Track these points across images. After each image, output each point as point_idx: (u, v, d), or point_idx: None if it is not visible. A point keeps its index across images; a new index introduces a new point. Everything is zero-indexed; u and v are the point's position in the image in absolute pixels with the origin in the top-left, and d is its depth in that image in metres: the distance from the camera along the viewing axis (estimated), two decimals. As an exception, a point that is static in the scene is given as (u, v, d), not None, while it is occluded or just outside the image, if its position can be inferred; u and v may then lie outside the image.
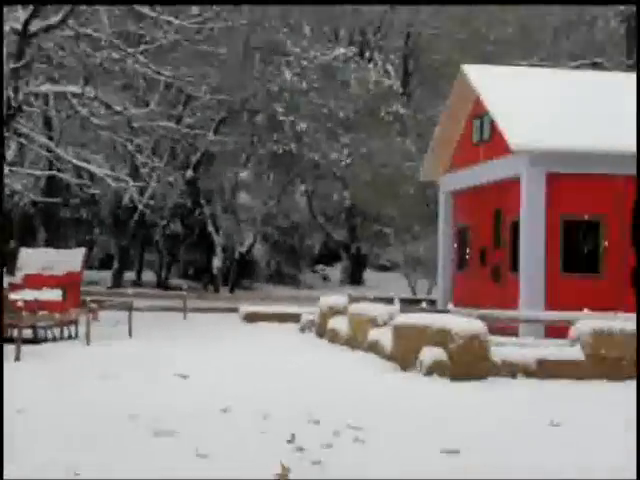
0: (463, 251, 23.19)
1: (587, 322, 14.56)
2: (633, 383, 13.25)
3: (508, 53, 35.45)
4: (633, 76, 22.55)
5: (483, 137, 21.52)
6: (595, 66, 34.74)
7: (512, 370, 13.87)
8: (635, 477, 7.55)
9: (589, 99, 20.54)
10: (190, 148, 34.28)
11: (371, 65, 38.31)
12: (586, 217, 19.20)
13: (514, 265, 19.72)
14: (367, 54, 39.80)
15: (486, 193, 21.75)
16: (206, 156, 35.64)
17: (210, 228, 36.54)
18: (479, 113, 21.59)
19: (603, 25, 37.95)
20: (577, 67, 32.81)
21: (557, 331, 16.23)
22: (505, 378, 13.64)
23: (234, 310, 25.01)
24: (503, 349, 14.25)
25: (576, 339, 14.41)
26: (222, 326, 22.09)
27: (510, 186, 19.99)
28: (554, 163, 19.04)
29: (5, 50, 19.75)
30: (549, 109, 19.96)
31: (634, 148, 18.73)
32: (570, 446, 8.98)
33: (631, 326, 14.23)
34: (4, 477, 6.99)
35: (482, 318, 14.65)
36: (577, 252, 19.24)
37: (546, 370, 13.87)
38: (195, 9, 24.46)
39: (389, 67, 39.89)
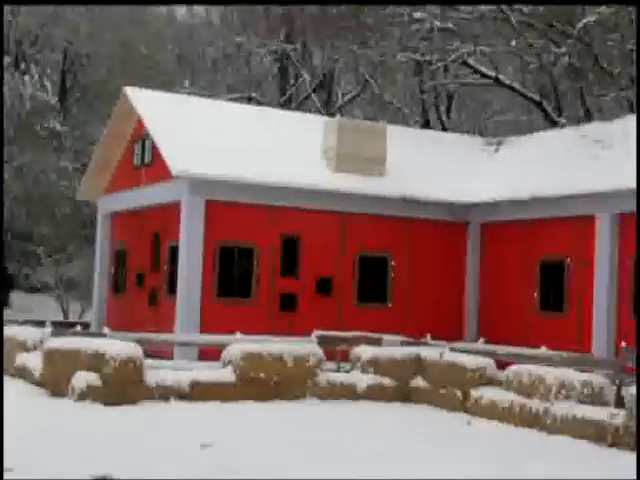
0: (120, 273, 22.99)
1: (238, 345, 15.12)
2: (279, 403, 14.07)
3: (170, 80, 35.95)
4: (292, 114, 23.97)
5: (145, 160, 21.57)
6: (251, 100, 36.31)
7: (166, 393, 13.99)
8: (635, 477, 7.78)
9: (252, 133, 21.45)
10: None
11: (27, 77, 36.75)
12: (240, 244, 19.94)
13: (171, 288, 19.94)
14: (23, 66, 38.15)
15: (146, 216, 21.80)
16: None
17: None
18: (141, 136, 21.64)
19: (258, 61, 39.78)
20: (234, 99, 34.08)
21: (211, 354, 16.63)
22: (159, 401, 13.72)
23: None
24: (158, 372, 14.33)
25: (227, 361, 14.90)
26: None
27: (170, 210, 20.23)
28: (213, 191, 19.57)
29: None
30: (212, 138, 20.52)
31: (297, 184, 19.84)
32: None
33: (278, 348, 15.01)
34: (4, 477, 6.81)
35: (138, 341, 14.62)
36: (231, 277, 19.91)
37: (199, 392, 14.17)
38: None
39: (46, 82, 38.55)
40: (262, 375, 14.72)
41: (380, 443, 11.30)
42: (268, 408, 13.84)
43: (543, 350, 15.47)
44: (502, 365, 14.91)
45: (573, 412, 12.90)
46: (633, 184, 17.58)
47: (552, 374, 13.75)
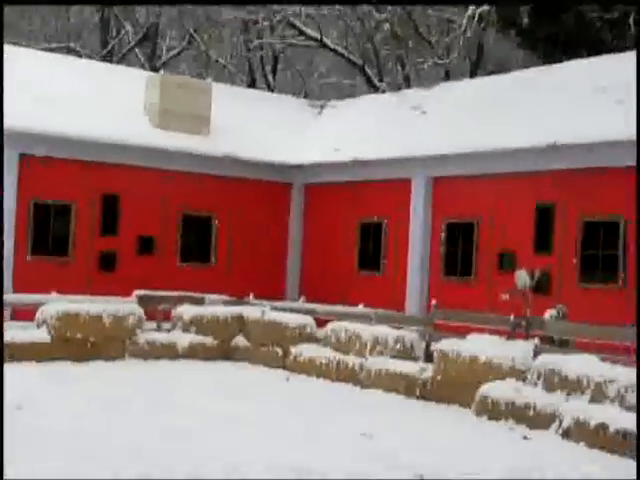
0: None
1: (53, 305, 14.73)
2: (97, 363, 13.90)
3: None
4: (114, 67, 23.26)
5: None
6: (70, 51, 34.94)
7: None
8: (635, 477, 7.79)
9: (70, 86, 20.66)
10: None
11: None
12: (57, 201, 19.27)
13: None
14: None
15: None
16: None
17: None
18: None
19: (78, 10, 38.18)
20: (52, 50, 32.70)
21: (26, 314, 16.10)
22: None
23: None
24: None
25: (42, 322, 14.50)
26: None
27: None
28: (29, 145, 18.77)
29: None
30: (27, 90, 19.55)
31: (117, 140, 19.34)
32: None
33: (96, 308, 14.74)
34: (4, 477, 6.74)
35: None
36: (47, 235, 19.24)
37: (14, 352, 13.71)
38: None
39: None
40: (79, 335, 14.44)
41: (186, 398, 11.41)
42: (83, 368, 13.64)
43: (360, 308, 16.00)
44: (323, 323, 15.33)
45: (386, 367, 13.47)
46: (447, 149, 18.37)
47: (367, 331, 14.29)
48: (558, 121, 16.84)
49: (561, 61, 22.24)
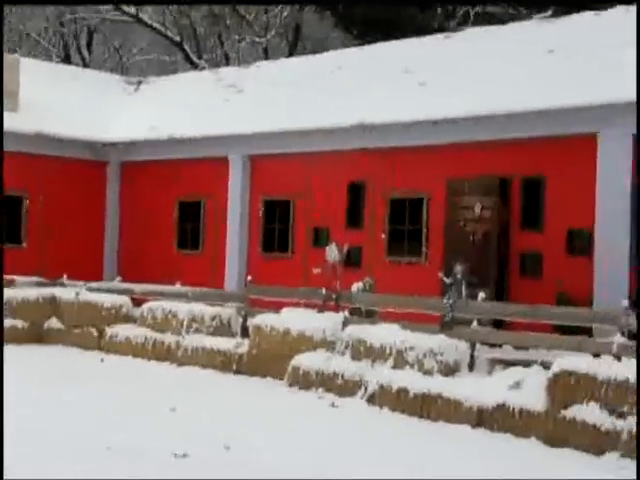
0: None
1: None
2: None
3: None
4: None
5: None
6: None
7: None
8: (635, 477, 7.64)
9: None
10: None
11: None
12: None
13: None
14: None
15: None
16: None
17: None
18: None
19: None
20: None
21: None
22: None
23: None
24: None
25: None
26: None
27: None
28: None
29: None
30: None
31: None
32: None
33: None
34: (4, 477, 6.62)
35: None
36: None
37: None
38: None
39: None
40: None
41: None
42: None
43: (177, 287, 16.03)
44: (141, 303, 15.27)
45: (203, 343, 13.63)
46: (263, 127, 18.60)
47: (184, 308, 14.38)
48: (368, 101, 17.41)
49: (375, 42, 22.95)
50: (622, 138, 13.75)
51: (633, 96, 13.15)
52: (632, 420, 8.40)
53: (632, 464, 8.16)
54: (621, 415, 8.52)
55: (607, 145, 13.87)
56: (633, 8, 15.70)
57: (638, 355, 8.98)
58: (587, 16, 17.30)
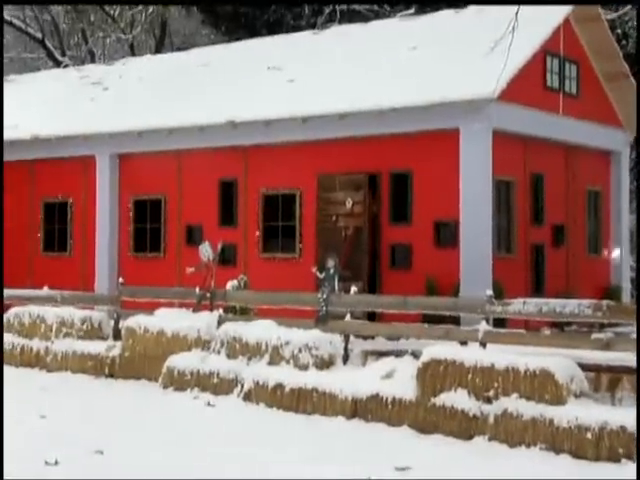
0: None
1: None
2: None
3: None
4: None
5: None
6: None
7: None
8: (635, 477, 7.31)
9: None
10: None
11: None
12: None
13: None
14: None
15: None
16: None
17: None
18: None
19: None
20: None
21: None
22: None
23: None
24: None
25: None
26: None
27: None
28: None
29: None
30: None
31: None
32: None
33: None
34: (4, 477, 6.62)
35: None
36: None
37: None
38: None
39: None
40: None
41: None
42: None
43: (45, 290, 15.57)
44: (7, 309, 14.74)
45: (73, 348, 13.30)
46: (130, 126, 18.26)
47: (52, 312, 13.99)
48: (237, 98, 17.36)
49: (243, 39, 22.92)
50: (483, 133, 14.24)
51: (492, 92, 13.64)
52: (498, 405, 8.71)
53: (501, 447, 8.47)
54: (488, 400, 8.82)
55: (468, 140, 14.31)
56: (488, 8, 16.35)
57: (638, 354, 8.87)
58: (447, 14, 17.83)
